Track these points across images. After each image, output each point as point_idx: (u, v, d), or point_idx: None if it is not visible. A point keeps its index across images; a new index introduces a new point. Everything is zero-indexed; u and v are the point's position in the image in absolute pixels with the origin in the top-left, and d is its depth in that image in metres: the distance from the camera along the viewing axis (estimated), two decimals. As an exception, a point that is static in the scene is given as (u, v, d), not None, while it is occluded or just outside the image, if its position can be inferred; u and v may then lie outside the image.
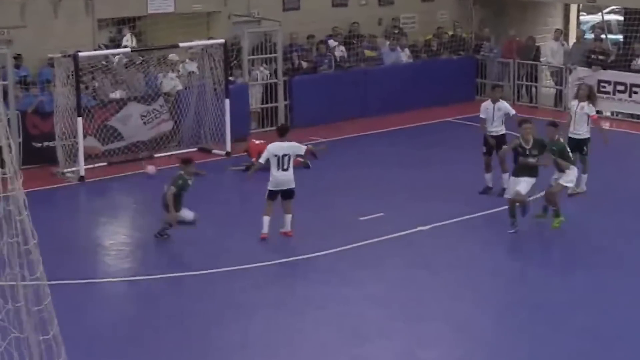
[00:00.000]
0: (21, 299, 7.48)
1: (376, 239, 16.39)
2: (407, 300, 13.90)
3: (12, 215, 7.35)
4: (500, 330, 13.12)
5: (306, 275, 15.11)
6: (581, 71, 26.07)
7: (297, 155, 16.87)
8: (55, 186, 19.83)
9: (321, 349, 12.35)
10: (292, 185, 16.22)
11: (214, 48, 22.48)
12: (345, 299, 13.91)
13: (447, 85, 26.82)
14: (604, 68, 25.90)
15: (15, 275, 7.45)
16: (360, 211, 17.80)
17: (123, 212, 19.00)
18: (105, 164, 21.02)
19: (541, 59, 27.79)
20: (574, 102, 19.28)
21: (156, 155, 21.67)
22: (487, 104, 18.98)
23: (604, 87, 25.74)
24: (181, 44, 22.37)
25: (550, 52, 27.62)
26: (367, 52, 26.49)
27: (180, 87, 22.85)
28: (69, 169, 20.37)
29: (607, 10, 32.23)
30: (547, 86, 27.98)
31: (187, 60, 23.56)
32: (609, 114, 26.40)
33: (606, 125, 24.59)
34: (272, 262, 15.43)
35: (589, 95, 19.15)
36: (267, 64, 24.82)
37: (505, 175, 18.01)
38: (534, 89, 27.79)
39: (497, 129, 18.71)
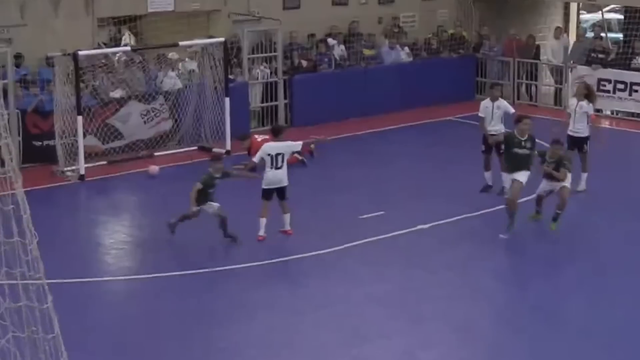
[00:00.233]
0: (22, 298, 7.48)
1: (376, 238, 16.40)
2: (407, 300, 13.90)
3: (12, 214, 7.36)
4: (500, 330, 13.13)
5: (307, 274, 15.10)
6: (581, 69, 26.08)
7: (294, 152, 16.87)
8: (55, 185, 19.84)
9: (321, 348, 12.34)
10: (285, 183, 16.21)
11: (214, 47, 22.48)
12: (345, 298, 13.91)
13: (447, 84, 26.82)
14: (604, 66, 25.91)
15: (15, 274, 7.46)
16: (360, 210, 17.80)
17: (123, 211, 18.99)
18: (105, 162, 21.03)
19: (541, 58, 27.80)
20: (573, 101, 19.27)
21: (156, 153, 21.71)
22: (486, 103, 18.97)
23: (604, 85, 25.72)
24: (181, 43, 22.35)
25: (551, 50, 27.63)
26: (366, 51, 26.48)
27: (180, 86, 22.84)
28: (69, 168, 20.38)
29: (607, 8, 32.19)
30: (547, 84, 27.99)
31: (187, 59, 23.56)
32: (609, 112, 26.43)
33: (606, 123, 24.68)
34: (272, 261, 15.43)
35: (586, 93, 19.12)
36: (267, 63, 24.82)
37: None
38: (533, 88, 27.81)
39: (496, 127, 18.68)
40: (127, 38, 24.32)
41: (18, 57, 21.45)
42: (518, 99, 27.37)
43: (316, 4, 26.52)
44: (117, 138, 21.68)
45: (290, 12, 25.99)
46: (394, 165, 21.33)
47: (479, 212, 17.62)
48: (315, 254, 15.67)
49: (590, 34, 28.54)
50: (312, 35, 26.15)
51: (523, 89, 28.02)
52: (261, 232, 16.20)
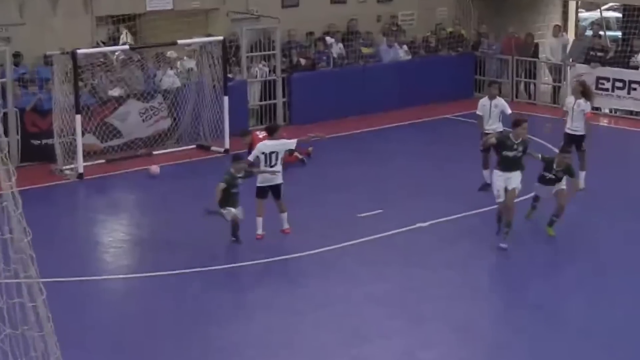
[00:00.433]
0: (15, 295, 7.45)
1: (375, 236, 16.38)
2: (406, 299, 13.87)
3: (5, 212, 7.33)
4: (500, 330, 13.11)
5: (306, 273, 15.07)
6: (580, 68, 26.07)
7: (290, 151, 16.84)
8: (54, 183, 19.81)
9: (321, 348, 12.32)
10: (280, 181, 16.19)
11: (212, 45, 22.46)
12: (345, 298, 13.88)
13: (445, 82, 26.80)
14: (603, 65, 25.90)
15: (9, 272, 7.43)
16: (359, 208, 17.78)
17: (122, 209, 18.96)
18: (103, 161, 21.01)
19: (540, 56, 27.79)
20: (571, 99, 19.24)
21: (155, 152, 21.69)
22: (484, 101, 18.95)
23: (603, 83, 25.71)
24: (180, 41, 22.31)
25: (549, 48, 27.62)
26: (364, 49, 26.46)
27: (178, 85, 22.82)
28: (67, 167, 20.35)
29: (606, 7, 32.20)
30: (546, 83, 27.98)
31: (186, 57, 23.53)
32: (607, 110, 26.42)
33: (604, 122, 24.67)
34: (271, 260, 15.41)
35: (583, 91, 19.08)
36: (265, 61, 24.79)
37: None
38: (532, 86, 27.80)
39: (494, 126, 18.64)
40: (125, 37, 24.27)
41: (17, 55, 21.44)
42: (517, 97, 27.38)
43: (315, 3, 26.51)
44: (116, 136, 21.67)
45: (288, 10, 25.98)
46: (392, 163, 21.31)
47: (478, 210, 17.59)
48: (314, 253, 15.65)
49: (589, 32, 28.52)
50: (311, 33, 26.13)
51: (522, 87, 28.03)
52: (259, 231, 16.17)
